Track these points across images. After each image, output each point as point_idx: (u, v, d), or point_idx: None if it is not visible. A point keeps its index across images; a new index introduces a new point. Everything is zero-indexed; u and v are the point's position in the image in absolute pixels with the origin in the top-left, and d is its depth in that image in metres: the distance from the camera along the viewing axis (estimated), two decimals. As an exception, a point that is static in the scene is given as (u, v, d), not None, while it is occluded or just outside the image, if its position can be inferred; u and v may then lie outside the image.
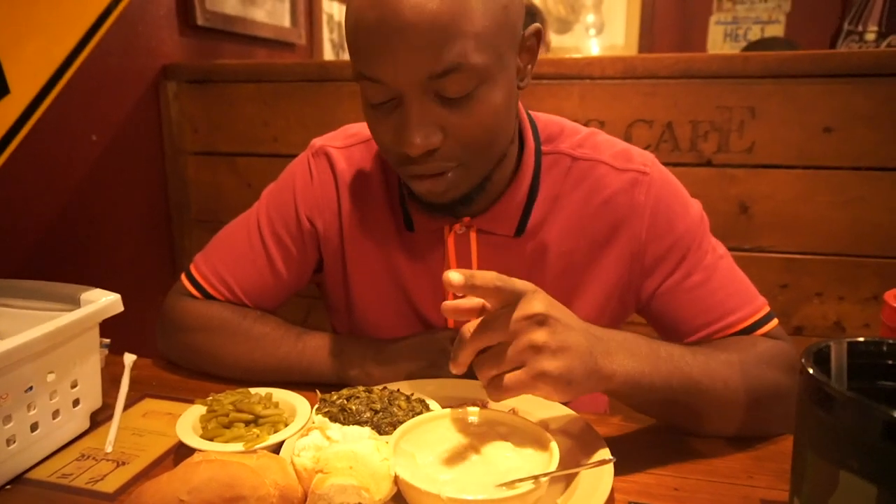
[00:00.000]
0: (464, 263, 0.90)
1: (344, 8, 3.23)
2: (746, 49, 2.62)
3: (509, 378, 0.62)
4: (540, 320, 0.62)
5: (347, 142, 0.97)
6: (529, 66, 0.80)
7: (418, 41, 0.68)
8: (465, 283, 0.61)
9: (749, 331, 0.84)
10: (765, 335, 0.84)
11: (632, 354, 0.70)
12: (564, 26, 4.04)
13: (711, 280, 0.85)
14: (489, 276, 0.62)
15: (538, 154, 0.88)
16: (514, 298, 0.63)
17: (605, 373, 0.67)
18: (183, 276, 0.99)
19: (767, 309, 0.86)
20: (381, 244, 0.93)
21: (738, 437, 0.78)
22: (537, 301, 0.63)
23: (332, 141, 0.97)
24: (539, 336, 0.62)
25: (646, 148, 0.96)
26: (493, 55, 0.73)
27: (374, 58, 0.71)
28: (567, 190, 0.88)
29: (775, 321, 0.85)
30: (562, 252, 0.89)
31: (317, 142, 0.98)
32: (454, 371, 0.65)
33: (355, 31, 0.72)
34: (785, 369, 0.79)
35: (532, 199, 0.87)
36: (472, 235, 0.89)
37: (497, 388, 0.63)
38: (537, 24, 0.80)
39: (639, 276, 0.88)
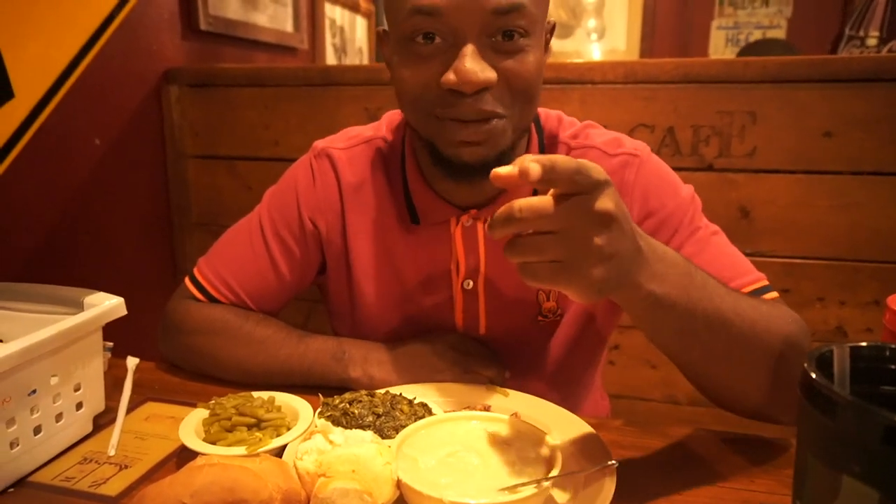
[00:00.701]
0: (472, 256, 0.90)
1: (346, 13, 3.22)
2: (743, 52, 2.62)
3: (546, 269, 0.58)
4: (606, 221, 0.58)
5: (349, 143, 0.97)
6: (545, 55, 0.82)
7: None
8: (543, 174, 0.55)
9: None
10: None
11: (665, 274, 0.65)
12: (566, 31, 4.05)
13: (704, 252, 0.84)
14: (570, 164, 0.56)
15: (541, 145, 0.91)
16: (586, 189, 0.57)
17: (634, 289, 0.63)
18: (187, 280, 0.99)
19: (765, 281, 0.84)
20: (385, 240, 0.94)
21: (744, 406, 0.76)
22: (609, 198, 0.58)
23: (333, 143, 0.98)
24: (598, 238, 0.57)
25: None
26: (540, 11, 0.76)
27: None
28: None
29: (775, 294, 0.83)
30: None
31: (318, 144, 0.99)
32: (492, 234, 0.59)
33: None
34: (797, 323, 0.77)
35: (535, 191, 0.86)
36: (480, 227, 0.89)
37: (531, 275, 0.59)
38: (554, 20, 0.83)
39: None
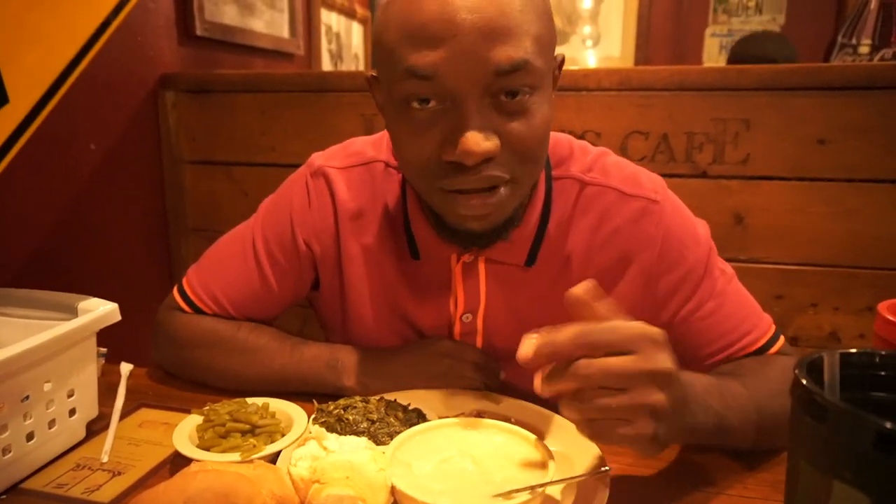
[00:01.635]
0: (472, 294, 0.88)
1: (342, 19, 3.23)
2: (737, 45, 2.58)
3: (611, 428, 0.58)
4: (667, 380, 0.57)
5: (347, 162, 0.93)
6: (553, 98, 0.77)
7: (488, 32, 0.64)
8: (534, 358, 0.57)
9: (762, 351, 0.85)
10: (777, 353, 0.86)
11: (708, 405, 0.68)
12: (561, 38, 4.06)
13: (724, 306, 0.85)
14: (578, 337, 0.56)
15: (549, 180, 0.86)
16: (627, 347, 0.56)
17: (689, 431, 0.66)
18: (175, 291, 0.98)
19: (774, 326, 0.87)
20: (382, 272, 0.91)
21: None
22: (667, 354, 0.57)
23: (331, 160, 0.93)
24: (660, 399, 0.57)
25: (641, 159, 0.97)
26: (546, 63, 0.71)
27: (434, 50, 0.65)
28: (576, 216, 0.86)
29: (783, 338, 0.87)
30: (571, 283, 0.84)
31: (316, 160, 0.94)
32: (542, 393, 0.59)
33: (408, 22, 0.66)
34: None
35: (543, 228, 0.85)
36: (481, 265, 0.86)
37: (598, 434, 0.59)
38: (563, 53, 0.78)
39: (651, 307, 0.86)
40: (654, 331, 0.58)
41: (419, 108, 0.69)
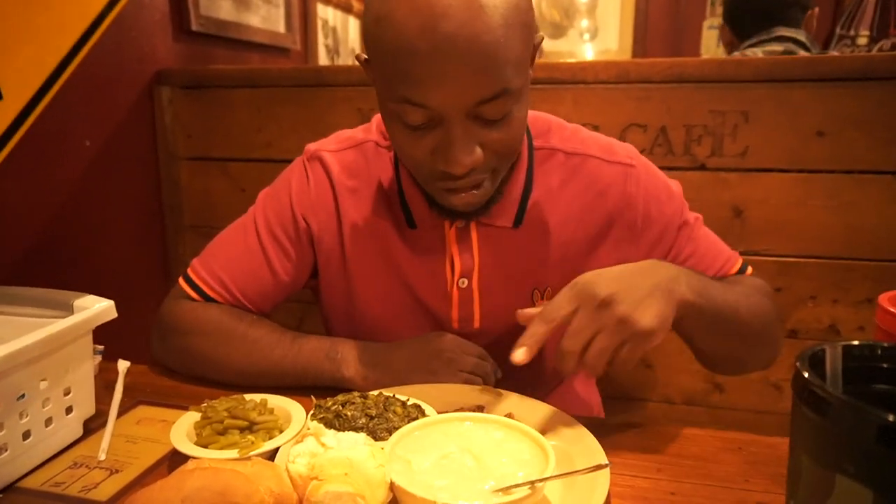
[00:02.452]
0: (466, 255, 0.93)
1: (339, 14, 3.21)
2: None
3: (622, 358, 0.70)
4: (607, 302, 0.69)
5: (340, 145, 0.98)
6: (531, 75, 0.83)
7: (470, 70, 0.71)
8: (531, 347, 0.72)
9: (738, 274, 0.99)
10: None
11: (690, 280, 0.77)
12: (558, 31, 4.06)
13: (699, 246, 0.97)
14: (544, 314, 0.72)
15: (531, 149, 0.94)
16: (572, 308, 0.70)
17: (680, 298, 0.74)
18: (181, 280, 0.99)
19: (741, 259, 1.00)
20: (382, 243, 0.95)
21: (740, 370, 1.00)
22: (593, 286, 0.70)
23: (325, 145, 0.99)
24: (619, 310, 0.69)
25: (639, 152, 0.98)
26: (525, 76, 0.78)
27: (423, 84, 0.72)
28: (563, 182, 0.94)
29: (750, 268, 1.00)
30: (561, 242, 0.94)
31: (311, 147, 1.00)
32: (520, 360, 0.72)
33: (399, 57, 0.72)
34: (770, 296, 0.96)
35: (528, 192, 0.92)
36: (473, 228, 0.92)
37: (615, 366, 0.71)
38: (541, 35, 0.82)
39: (635, 259, 0.89)
40: (575, 281, 0.72)
41: (411, 121, 0.76)
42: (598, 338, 0.69)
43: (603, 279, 0.72)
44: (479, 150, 0.77)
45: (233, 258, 0.98)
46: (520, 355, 0.71)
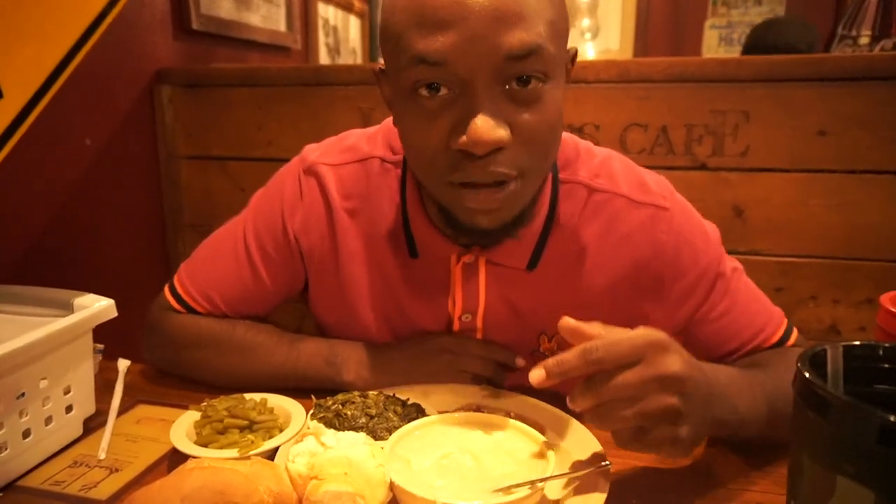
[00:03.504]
0: (471, 295, 0.86)
1: (339, 13, 3.21)
2: (755, 32, 2.43)
3: (634, 437, 0.60)
4: (676, 383, 0.59)
5: (341, 158, 0.90)
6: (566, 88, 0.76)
7: (499, 15, 0.62)
8: (548, 377, 0.60)
9: (780, 344, 0.86)
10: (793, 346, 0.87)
11: (726, 396, 0.69)
12: (559, 30, 4.04)
13: (737, 303, 0.86)
14: (588, 354, 0.58)
15: (555, 182, 0.84)
16: (635, 358, 0.58)
17: (718, 425, 0.67)
18: (166, 290, 0.96)
19: (785, 319, 0.88)
20: (380, 270, 0.89)
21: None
22: (671, 359, 0.59)
23: (325, 157, 0.91)
24: (673, 402, 0.58)
25: (640, 152, 0.96)
26: (559, 51, 0.69)
27: (443, 35, 0.63)
28: (583, 223, 0.84)
29: (796, 331, 0.88)
30: (577, 288, 0.85)
31: (309, 155, 0.92)
32: (573, 406, 0.60)
33: (416, 6, 0.64)
34: None
35: (547, 231, 0.84)
36: (482, 266, 0.85)
37: (623, 444, 0.61)
38: (575, 47, 0.77)
39: (665, 312, 0.86)
40: (656, 336, 0.60)
41: (428, 97, 0.67)
42: (636, 406, 0.58)
43: (684, 357, 0.61)
44: (506, 128, 0.66)
45: (220, 272, 0.93)
46: (538, 378, 0.60)
